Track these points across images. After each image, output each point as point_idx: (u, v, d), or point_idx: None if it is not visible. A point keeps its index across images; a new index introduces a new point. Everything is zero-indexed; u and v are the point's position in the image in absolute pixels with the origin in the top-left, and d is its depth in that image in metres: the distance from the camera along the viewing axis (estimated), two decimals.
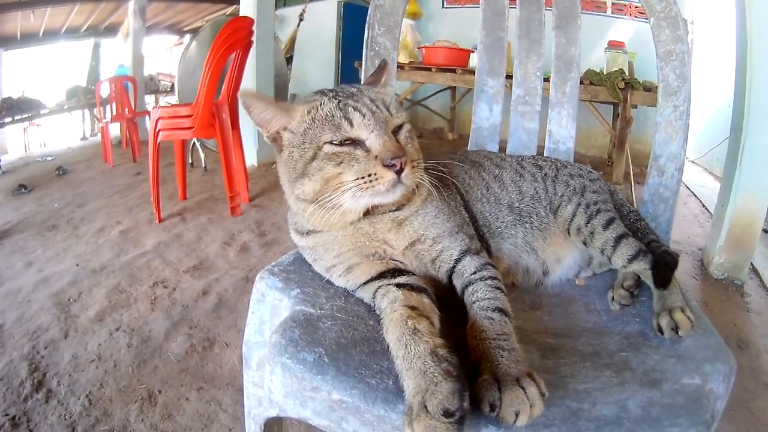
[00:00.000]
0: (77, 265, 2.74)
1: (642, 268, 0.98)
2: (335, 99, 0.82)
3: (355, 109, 0.80)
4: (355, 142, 0.79)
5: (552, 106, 1.42)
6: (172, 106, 4.32)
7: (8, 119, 6.72)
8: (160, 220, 3.34)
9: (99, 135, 6.32)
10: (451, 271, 0.86)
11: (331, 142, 0.79)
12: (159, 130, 3.19)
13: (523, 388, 0.62)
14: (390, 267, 0.86)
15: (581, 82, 4.22)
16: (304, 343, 0.72)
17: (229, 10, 8.59)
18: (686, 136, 1.28)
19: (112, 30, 9.23)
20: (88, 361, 1.86)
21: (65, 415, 1.59)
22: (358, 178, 0.77)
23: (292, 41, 7.16)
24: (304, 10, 6.71)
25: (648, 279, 0.97)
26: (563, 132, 1.41)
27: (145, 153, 3.40)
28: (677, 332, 0.83)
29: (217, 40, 3.24)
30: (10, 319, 2.19)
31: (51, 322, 2.14)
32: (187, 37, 10.40)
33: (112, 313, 2.21)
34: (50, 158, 5.72)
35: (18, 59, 8.86)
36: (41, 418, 1.58)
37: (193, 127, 3.18)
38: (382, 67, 0.96)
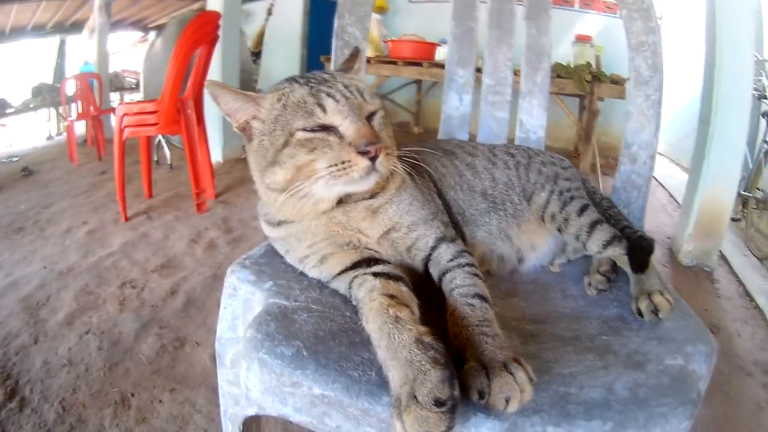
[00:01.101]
0: (45, 267, 2.65)
1: (618, 253, 0.99)
2: (307, 85, 0.80)
3: (328, 95, 0.78)
4: (328, 129, 0.77)
5: (523, 96, 1.43)
6: (138, 102, 4.22)
7: None
8: (126, 219, 3.27)
9: (65, 134, 6.12)
10: (427, 258, 0.85)
11: (303, 129, 0.77)
12: (124, 127, 3.11)
13: (511, 374, 0.62)
14: (365, 256, 0.84)
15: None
16: (280, 337, 0.70)
17: (196, 5, 8.41)
18: (658, 125, 1.31)
19: (78, 27, 8.95)
20: (60, 366, 1.80)
21: (40, 423, 1.54)
22: (331, 165, 0.75)
23: (261, 36, 7.04)
24: (272, 4, 6.60)
25: (624, 264, 0.99)
26: (534, 121, 1.43)
27: (110, 151, 3.31)
28: (657, 315, 0.84)
29: (183, 35, 3.17)
30: None
31: (21, 328, 2.06)
32: (152, 33, 10.16)
33: (81, 315, 2.14)
34: (16, 159, 5.51)
35: None
36: (15, 427, 1.53)
37: (158, 124, 3.11)
38: (355, 54, 0.95)
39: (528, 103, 1.43)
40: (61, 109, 7.51)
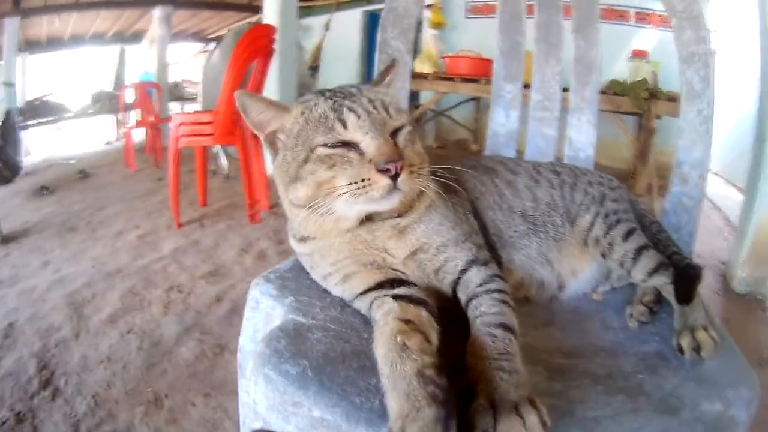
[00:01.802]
0: (93, 267, 2.78)
1: (663, 282, 0.92)
2: (331, 99, 0.78)
3: (350, 110, 0.75)
4: (349, 145, 0.74)
5: (572, 112, 1.37)
6: (194, 112, 4.37)
7: (32, 122, 6.89)
8: (179, 226, 3.37)
9: (123, 140, 6.43)
10: (456, 282, 0.80)
11: (324, 144, 0.74)
12: (180, 136, 3.22)
13: (521, 417, 0.56)
14: (389, 277, 0.80)
15: (604, 93, 4.20)
16: (288, 355, 0.68)
17: (254, 18, 8.72)
18: (710, 142, 1.22)
19: (137, 36, 9.46)
20: (98, 362, 1.87)
21: (70, 414, 1.59)
22: (351, 183, 0.72)
23: (318, 50, 7.24)
24: (329, 19, 6.77)
25: (669, 294, 0.91)
26: (583, 139, 1.36)
27: (167, 159, 3.44)
28: (699, 353, 0.77)
29: (238, 47, 3.26)
30: (23, 316, 2.22)
31: (63, 322, 2.16)
32: (212, 44, 10.59)
33: (125, 315, 2.21)
34: (73, 161, 5.85)
35: (44, 63, 9.11)
36: (46, 415, 1.59)
37: (213, 134, 3.20)
38: (389, 66, 0.92)
39: (577, 120, 1.36)
40: (119, 116, 7.88)
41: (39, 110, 7.79)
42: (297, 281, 0.88)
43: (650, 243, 0.99)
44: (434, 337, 0.71)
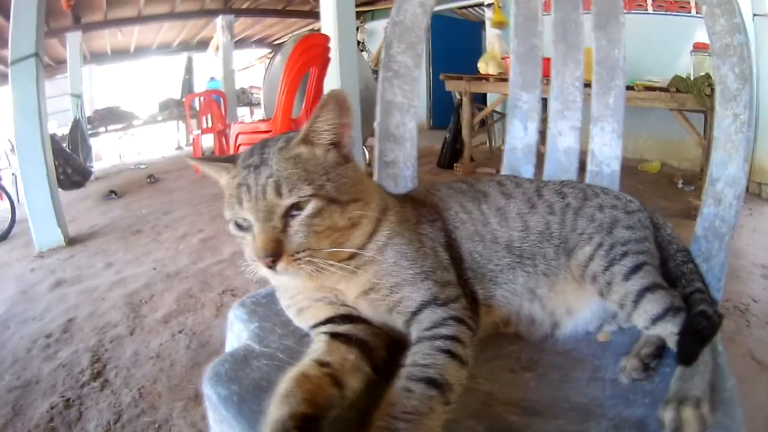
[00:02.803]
0: (154, 269, 2.98)
1: (669, 332, 0.79)
2: (243, 171, 0.76)
3: (247, 190, 0.73)
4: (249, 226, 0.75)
5: (594, 121, 1.24)
6: (252, 122, 4.55)
7: (102, 129, 7.47)
8: None
9: (191, 146, 6.81)
10: (409, 323, 0.76)
11: (229, 220, 0.76)
12: (239, 145, 3.36)
13: None
14: (340, 312, 0.79)
15: (667, 90, 3.88)
16: (225, 378, 0.71)
17: (317, 24, 8.97)
18: (747, 155, 1.03)
19: (203, 44, 10.00)
20: (147, 358, 2.02)
21: (115, 404, 1.74)
22: (249, 259, 0.75)
23: (380, 54, 7.30)
24: (388, 24, 6.81)
25: (675, 346, 0.79)
26: (607, 151, 1.22)
27: None
28: None
29: (291, 57, 3.35)
30: (83, 313, 2.44)
31: (120, 320, 2.35)
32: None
33: (178, 316, 2.36)
34: (143, 166, 6.28)
35: (113, 73, 9.82)
36: (93, 403, 1.75)
37: None
38: (321, 105, 0.78)
39: (600, 130, 1.23)
40: (187, 123, 8.33)
41: (108, 118, 8.45)
42: (269, 307, 0.89)
43: (661, 282, 0.85)
44: (352, 383, 0.69)
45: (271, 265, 0.70)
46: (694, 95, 3.53)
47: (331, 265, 0.73)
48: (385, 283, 0.77)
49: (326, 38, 3.66)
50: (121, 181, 5.53)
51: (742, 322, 2.13)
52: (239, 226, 0.75)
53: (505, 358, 0.82)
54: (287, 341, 0.79)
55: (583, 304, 0.90)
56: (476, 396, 0.73)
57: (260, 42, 11.54)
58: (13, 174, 4.02)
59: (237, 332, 0.86)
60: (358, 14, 8.03)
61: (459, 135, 5.33)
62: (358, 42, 7.70)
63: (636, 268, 0.84)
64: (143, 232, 3.68)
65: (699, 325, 0.76)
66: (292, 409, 0.61)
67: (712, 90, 3.48)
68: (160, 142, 8.96)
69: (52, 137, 4.76)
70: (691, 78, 3.71)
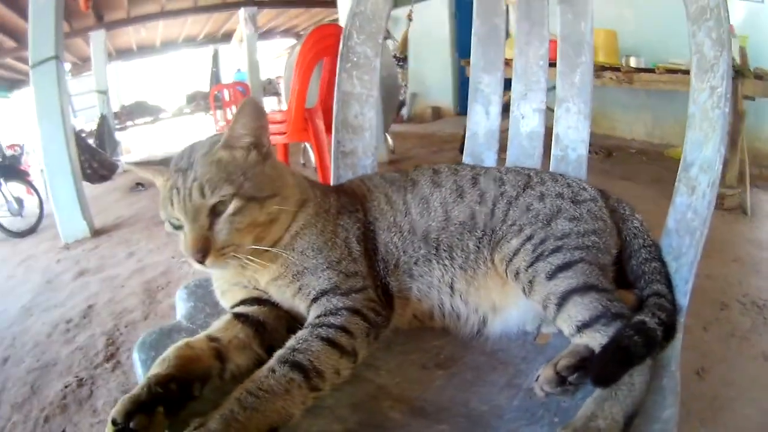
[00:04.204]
0: (173, 258, 3.11)
1: (598, 342, 0.70)
2: (172, 176, 0.81)
3: (177, 192, 0.79)
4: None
5: (559, 102, 1.19)
6: (270, 112, 4.62)
7: (130, 123, 7.73)
8: None
9: None
10: (309, 310, 0.80)
11: (165, 220, 0.82)
12: None
13: None
14: (252, 296, 0.85)
15: (688, 72, 3.66)
16: (148, 346, 0.80)
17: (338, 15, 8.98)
18: (724, 134, 0.88)
19: (229, 37, 10.16)
20: None
21: (123, 383, 1.85)
22: (184, 254, 0.79)
23: (404, 42, 7.34)
24: (411, 11, 6.82)
25: None
26: (573, 134, 1.17)
27: None
28: None
29: (303, 48, 3.37)
30: (102, 300, 2.58)
31: (136, 306, 2.49)
32: None
33: None
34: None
35: (140, 68, 10.09)
36: (104, 382, 1.87)
37: (286, 132, 3.34)
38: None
39: (565, 111, 1.18)
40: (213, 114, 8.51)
41: (136, 113, 8.73)
42: (207, 290, 0.95)
43: (599, 282, 0.76)
44: (237, 359, 0.75)
45: (201, 261, 0.76)
46: None
47: (251, 260, 0.79)
48: (290, 270, 0.81)
49: (339, 29, 3.64)
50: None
51: (759, 319, 2.02)
52: (173, 226, 0.81)
53: (423, 353, 0.82)
54: (211, 320, 0.85)
55: (509, 302, 0.86)
56: (367, 388, 0.74)
57: (286, 32, 11.63)
58: (41, 170, 4.25)
59: (178, 310, 0.94)
60: None
61: None
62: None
63: (565, 266, 0.77)
64: None
65: (626, 341, 0.67)
66: (161, 370, 0.68)
67: (735, 72, 3.31)
68: (188, 134, 9.18)
69: (78, 134, 5.02)
70: None
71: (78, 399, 1.79)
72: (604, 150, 4.76)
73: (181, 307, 0.94)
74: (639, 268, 0.86)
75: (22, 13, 4.39)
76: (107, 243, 3.51)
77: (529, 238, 0.83)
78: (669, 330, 0.73)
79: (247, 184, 0.79)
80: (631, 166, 4.26)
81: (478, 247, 0.87)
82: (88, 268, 3.09)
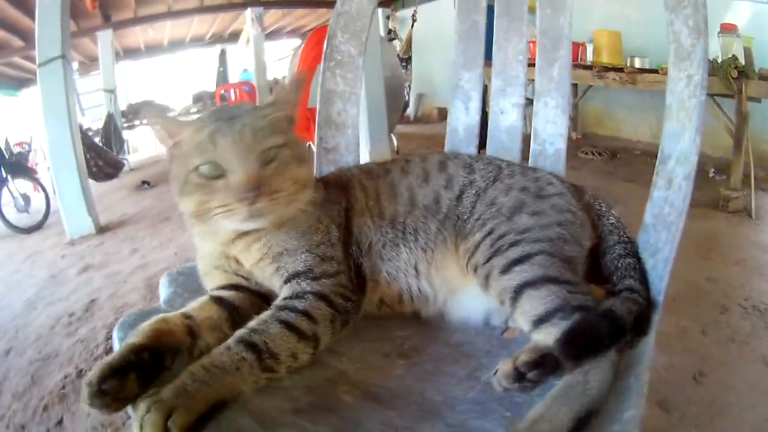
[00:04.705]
0: (175, 254, 3.17)
1: (553, 338, 0.68)
2: (212, 124, 0.80)
3: (222, 135, 0.78)
4: (220, 172, 0.78)
5: (537, 96, 1.20)
6: None
7: (137, 122, 7.82)
8: None
9: None
10: (280, 290, 0.83)
11: (196, 168, 0.79)
12: None
13: (153, 413, 0.60)
14: (232, 282, 0.88)
15: None
16: (127, 326, 0.84)
17: None
18: (700, 124, 0.87)
19: (236, 37, 10.20)
20: None
21: None
22: (219, 206, 0.77)
23: (408, 42, 7.39)
24: (415, 11, 6.90)
25: None
26: (551, 129, 1.18)
27: None
28: None
29: (305, 49, 3.42)
30: (104, 295, 2.64)
31: (137, 300, 2.54)
32: None
33: None
34: None
35: (148, 68, 10.13)
36: None
37: None
38: (291, 82, 0.93)
39: (543, 105, 1.19)
40: None
41: (141, 112, 8.81)
42: (188, 277, 0.99)
43: (559, 275, 0.75)
44: (207, 337, 0.78)
45: (253, 201, 0.75)
46: (720, 78, 3.34)
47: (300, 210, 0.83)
48: (271, 252, 0.84)
49: None
50: (155, 171, 5.79)
51: (760, 323, 2.00)
52: (206, 176, 0.78)
53: (388, 342, 0.83)
54: (187, 304, 0.87)
55: (468, 286, 0.87)
56: (326, 372, 0.75)
57: (293, 33, 11.66)
58: (48, 168, 4.33)
59: (161, 296, 0.98)
60: (389, 2, 8.03)
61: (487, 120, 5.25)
62: (390, 30, 7.75)
63: (521, 259, 0.77)
64: (171, 219, 3.88)
65: (590, 324, 0.66)
66: (136, 340, 0.71)
67: (739, 73, 3.29)
68: None
69: (84, 132, 5.09)
70: (719, 61, 3.51)
71: (77, 389, 1.84)
72: (608, 151, 4.75)
73: (162, 292, 0.98)
74: (613, 263, 0.86)
75: (30, 12, 4.46)
76: (112, 239, 3.58)
77: (490, 232, 0.84)
78: (640, 324, 0.71)
79: (291, 142, 0.83)
80: (636, 167, 4.24)
81: (439, 229, 0.90)
82: (92, 263, 3.16)
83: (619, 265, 0.85)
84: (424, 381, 0.73)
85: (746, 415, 1.52)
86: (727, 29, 3.81)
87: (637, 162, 4.50)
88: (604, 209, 0.95)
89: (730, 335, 1.92)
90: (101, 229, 3.72)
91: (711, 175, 3.96)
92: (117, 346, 0.80)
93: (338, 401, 0.69)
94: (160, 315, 0.77)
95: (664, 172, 0.93)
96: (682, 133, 0.91)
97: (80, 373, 1.93)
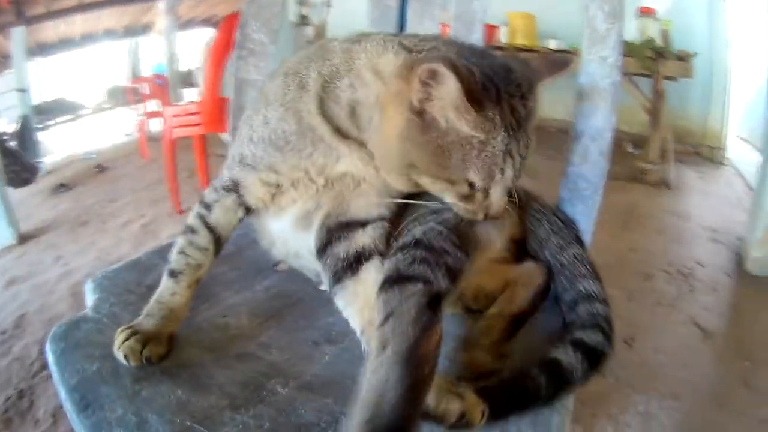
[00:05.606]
0: (98, 258, 3.04)
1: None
2: (502, 132, 0.65)
3: (512, 163, 0.66)
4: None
5: None
6: (184, 103, 4.50)
7: (51, 122, 7.28)
8: (181, 212, 3.58)
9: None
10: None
11: (467, 180, 0.68)
12: (173, 127, 3.37)
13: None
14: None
15: None
16: (57, 338, 0.82)
17: None
18: (614, 104, 0.95)
19: (149, 28, 9.65)
20: None
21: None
22: (464, 208, 0.72)
23: (321, 28, 7.27)
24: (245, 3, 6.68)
25: None
26: None
27: (180, 147, 3.63)
28: None
29: (217, 39, 3.32)
30: (33, 308, 2.51)
31: (65, 311, 2.43)
32: None
33: None
34: (93, 156, 6.08)
35: (60, 63, 9.40)
36: (42, 391, 1.85)
37: (201, 124, 3.33)
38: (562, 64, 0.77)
39: None
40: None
41: (55, 110, 8.21)
42: (113, 282, 1.00)
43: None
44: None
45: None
46: (636, 59, 3.58)
47: None
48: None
49: None
50: (71, 173, 5.39)
51: (685, 287, 2.10)
52: (461, 195, 0.70)
53: (314, 330, 0.85)
54: (115, 309, 0.89)
55: None
56: (257, 366, 0.77)
57: (206, 21, 11.18)
58: None
59: (87, 302, 0.96)
60: None
61: None
62: (303, 16, 7.56)
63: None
64: (90, 222, 3.68)
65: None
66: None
67: (655, 53, 3.54)
68: (110, 130, 8.67)
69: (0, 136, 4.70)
70: (636, 43, 3.76)
71: (20, 411, 1.76)
72: None
73: (89, 299, 0.95)
74: (553, 258, 0.84)
75: None
76: (34, 248, 3.35)
77: None
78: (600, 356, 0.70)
79: None
80: (553, 143, 4.48)
81: None
82: (17, 276, 2.96)
83: (564, 261, 0.84)
84: (355, 365, 0.72)
85: (679, 373, 1.60)
86: (645, 12, 4.10)
87: (553, 139, 4.74)
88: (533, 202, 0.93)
89: (657, 300, 2.02)
90: (22, 239, 3.47)
91: (629, 150, 4.22)
92: (51, 360, 0.79)
93: (274, 394, 0.71)
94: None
95: (578, 148, 0.99)
96: (594, 112, 0.97)
97: (21, 394, 1.83)
